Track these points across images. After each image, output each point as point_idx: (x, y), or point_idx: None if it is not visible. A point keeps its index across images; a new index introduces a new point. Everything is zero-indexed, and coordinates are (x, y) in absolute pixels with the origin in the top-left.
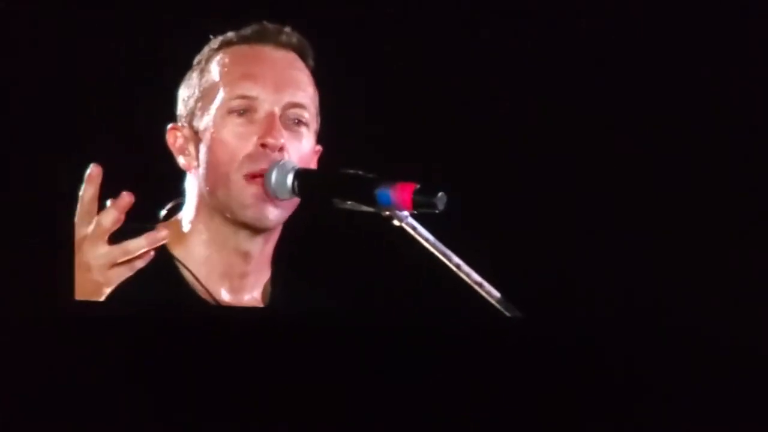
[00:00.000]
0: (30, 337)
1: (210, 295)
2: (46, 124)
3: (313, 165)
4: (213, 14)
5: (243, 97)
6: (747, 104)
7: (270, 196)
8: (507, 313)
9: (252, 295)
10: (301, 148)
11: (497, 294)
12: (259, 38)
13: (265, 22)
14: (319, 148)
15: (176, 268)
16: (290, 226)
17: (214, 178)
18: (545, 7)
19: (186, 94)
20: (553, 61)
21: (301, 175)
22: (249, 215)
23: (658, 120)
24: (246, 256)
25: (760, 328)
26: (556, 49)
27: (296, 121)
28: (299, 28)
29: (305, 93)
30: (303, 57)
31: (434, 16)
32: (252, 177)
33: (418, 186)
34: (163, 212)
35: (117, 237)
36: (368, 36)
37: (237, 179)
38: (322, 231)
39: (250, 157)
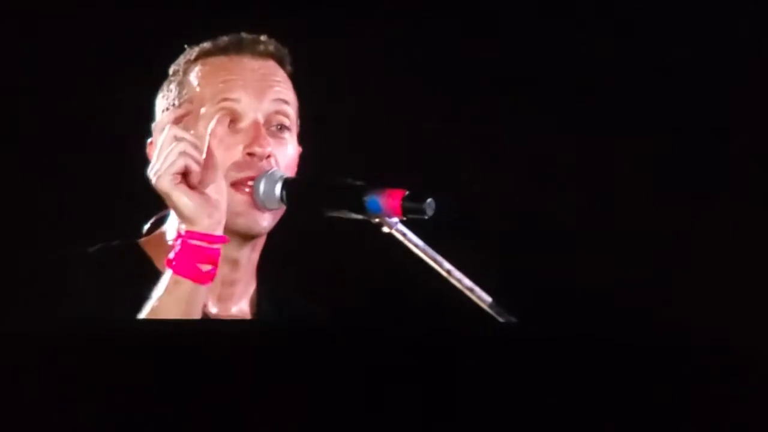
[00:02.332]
0: (15, 354)
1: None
2: (27, 145)
3: (295, 166)
4: (191, 25)
5: (226, 108)
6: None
7: (259, 206)
8: (499, 318)
9: (239, 306)
10: (287, 154)
11: (489, 299)
12: (237, 48)
13: (242, 33)
14: (299, 149)
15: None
16: (275, 234)
17: None
18: (535, 13)
19: (164, 105)
20: (543, 66)
21: (289, 184)
22: (240, 223)
23: (645, 128)
24: (234, 263)
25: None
26: (546, 55)
27: (279, 127)
28: (277, 34)
29: (286, 101)
30: (281, 64)
31: (422, 21)
32: (239, 185)
33: (407, 192)
34: (147, 226)
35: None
36: (352, 40)
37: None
38: (309, 238)
39: (237, 166)
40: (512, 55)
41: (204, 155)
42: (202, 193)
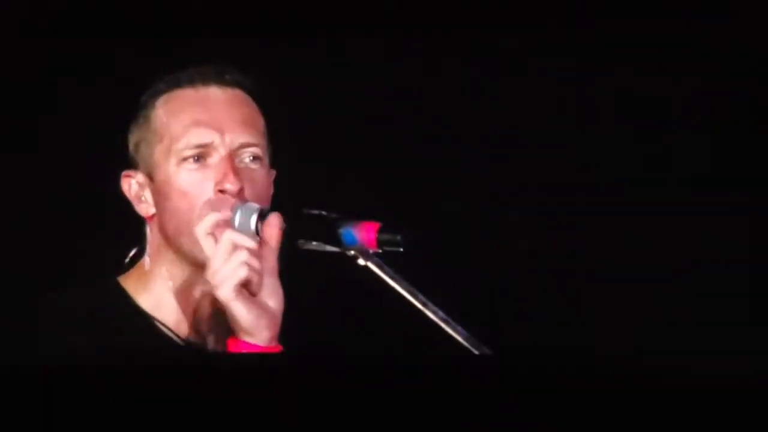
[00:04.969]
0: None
1: (183, 340)
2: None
3: (269, 192)
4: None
5: (196, 145)
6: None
7: None
8: (474, 350)
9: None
10: (259, 185)
11: (464, 331)
12: (203, 79)
13: (208, 64)
14: (273, 172)
15: (146, 320)
16: None
17: (176, 225)
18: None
19: (136, 139)
20: (513, 93)
21: (264, 216)
22: None
23: (616, 157)
24: (214, 297)
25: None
26: (516, 81)
27: (251, 158)
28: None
29: (256, 130)
30: (248, 92)
31: (389, 47)
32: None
33: (382, 225)
34: (127, 260)
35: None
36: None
37: None
38: (289, 270)
39: (210, 204)
40: (480, 80)
41: (174, 194)
42: (261, 304)
